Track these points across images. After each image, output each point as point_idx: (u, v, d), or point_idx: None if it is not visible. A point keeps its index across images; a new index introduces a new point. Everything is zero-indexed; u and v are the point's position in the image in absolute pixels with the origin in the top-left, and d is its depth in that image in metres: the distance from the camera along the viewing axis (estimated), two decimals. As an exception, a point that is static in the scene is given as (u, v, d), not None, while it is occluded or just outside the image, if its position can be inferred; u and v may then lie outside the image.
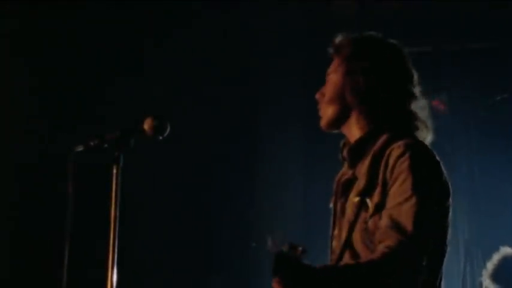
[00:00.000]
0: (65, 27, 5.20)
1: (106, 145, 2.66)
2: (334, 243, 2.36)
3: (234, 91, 5.56)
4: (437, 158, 2.23)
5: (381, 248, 2.07)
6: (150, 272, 5.28)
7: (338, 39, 2.43)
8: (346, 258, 2.23)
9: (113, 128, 2.68)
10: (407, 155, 2.15)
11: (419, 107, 2.36)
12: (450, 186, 2.23)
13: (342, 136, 2.44)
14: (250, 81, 5.72)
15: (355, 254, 2.21)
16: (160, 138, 2.66)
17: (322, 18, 5.62)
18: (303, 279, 1.88)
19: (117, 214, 2.54)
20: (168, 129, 2.66)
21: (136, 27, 5.36)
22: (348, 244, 2.23)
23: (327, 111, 2.39)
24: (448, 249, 2.23)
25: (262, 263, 5.25)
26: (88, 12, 5.23)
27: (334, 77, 2.40)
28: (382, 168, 2.19)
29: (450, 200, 2.22)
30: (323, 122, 2.41)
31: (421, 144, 2.27)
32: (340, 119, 2.37)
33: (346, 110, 2.36)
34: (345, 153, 2.39)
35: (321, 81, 2.48)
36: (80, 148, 2.70)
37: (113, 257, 2.54)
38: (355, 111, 2.35)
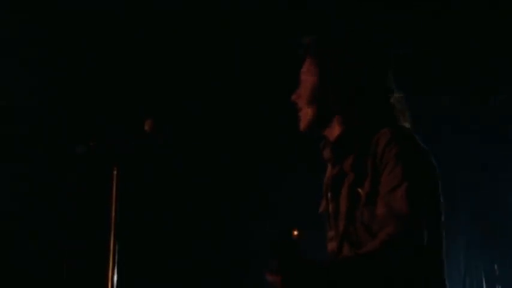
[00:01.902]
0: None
1: (107, 147, 2.67)
2: (331, 245, 2.33)
3: (234, 92, 5.55)
4: (422, 144, 2.23)
5: (380, 236, 2.06)
6: (150, 273, 5.28)
7: (308, 38, 2.40)
8: (345, 253, 2.21)
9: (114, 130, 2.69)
10: (394, 141, 2.15)
11: (396, 99, 2.34)
12: (438, 171, 2.22)
13: None
14: (250, 80, 5.69)
15: (353, 248, 2.19)
16: (161, 139, 2.67)
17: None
18: (303, 274, 1.88)
19: (117, 215, 2.55)
20: (168, 130, 2.66)
21: (136, 23, 5.36)
22: (346, 237, 2.22)
23: (307, 113, 2.36)
24: (447, 260, 2.22)
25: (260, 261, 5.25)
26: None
27: (308, 77, 2.37)
28: (370, 157, 2.18)
29: (440, 183, 2.22)
30: (302, 124, 2.38)
31: (407, 130, 2.28)
32: (320, 120, 2.34)
33: (325, 109, 2.33)
34: (326, 153, 2.37)
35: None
36: (81, 149, 2.71)
37: (113, 257, 2.55)
38: (334, 109, 2.32)
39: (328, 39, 2.38)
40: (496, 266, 5.27)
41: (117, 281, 2.56)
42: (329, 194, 2.36)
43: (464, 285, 5.39)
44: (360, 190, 2.19)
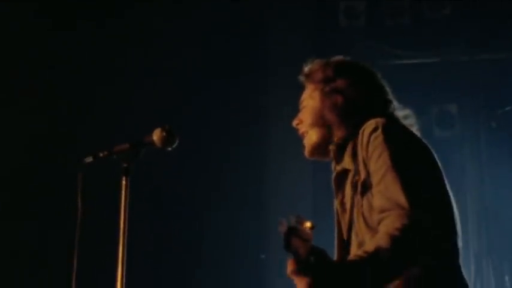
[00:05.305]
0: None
1: (115, 157, 2.67)
2: (339, 241, 2.37)
3: (240, 93, 5.52)
4: (413, 131, 2.28)
5: (382, 229, 2.04)
6: (158, 283, 5.28)
7: (307, 66, 2.51)
8: (353, 247, 2.24)
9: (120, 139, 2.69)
10: (379, 130, 2.18)
11: (402, 115, 2.41)
12: (433, 151, 2.23)
13: None
14: (256, 77, 5.65)
15: (360, 241, 2.20)
16: (169, 149, 2.66)
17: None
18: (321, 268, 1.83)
19: (126, 226, 2.54)
20: (177, 141, 2.66)
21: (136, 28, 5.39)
22: (352, 229, 2.24)
23: (312, 137, 2.44)
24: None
25: (271, 274, 5.23)
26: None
27: (310, 102, 2.46)
28: (359, 147, 2.23)
29: (437, 162, 2.21)
30: (307, 150, 2.46)
31: (393, 120, 2.32)
32: (325, 142, 2.42)
33: (328, 130, 2.41)
34: (332, 162, 2.43)
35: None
36: (90, 159, 2.71)
37: (122, 269, 2.54)
38: (335, 127, 2.41)
39: (324, 64, 2.48)
40: (506, 278, 5.24)
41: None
42: (336, 193, 2.40)
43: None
44: (357, 180, 2.23)
